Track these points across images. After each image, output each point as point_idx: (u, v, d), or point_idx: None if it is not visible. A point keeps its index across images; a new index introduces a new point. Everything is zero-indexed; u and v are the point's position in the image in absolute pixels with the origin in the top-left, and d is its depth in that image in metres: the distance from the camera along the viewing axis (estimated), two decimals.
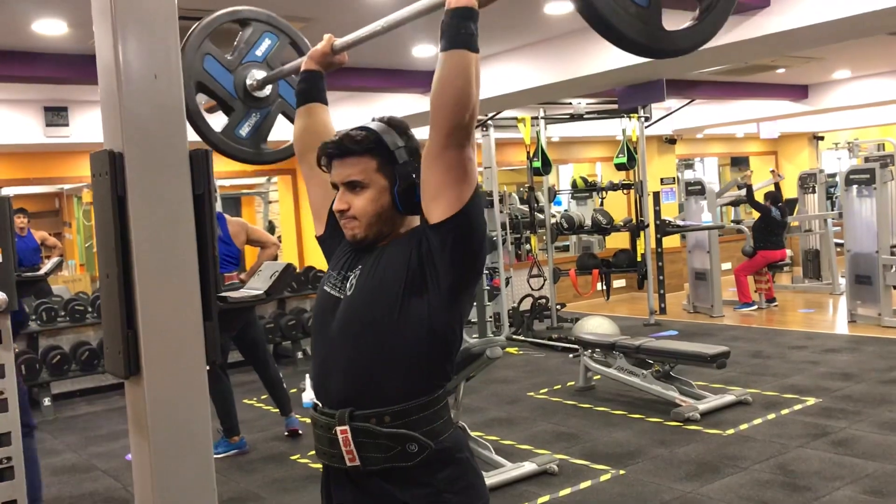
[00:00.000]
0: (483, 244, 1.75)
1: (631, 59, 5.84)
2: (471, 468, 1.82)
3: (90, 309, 7.59)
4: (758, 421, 5.36)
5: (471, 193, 1.69)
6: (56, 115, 7.34)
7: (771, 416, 5.46)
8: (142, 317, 1.20)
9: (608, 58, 5.99)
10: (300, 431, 5.69)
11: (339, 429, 1.73)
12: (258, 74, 2.30)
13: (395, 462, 1.72)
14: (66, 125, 7.43)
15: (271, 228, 12.53)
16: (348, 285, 1.81)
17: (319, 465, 5.49)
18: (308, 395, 6.56)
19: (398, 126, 1.83)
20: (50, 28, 5.04)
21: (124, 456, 5.59)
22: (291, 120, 2.37)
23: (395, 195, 1.78)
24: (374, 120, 1.84)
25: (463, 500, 1.76)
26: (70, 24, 5.00)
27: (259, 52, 2.32)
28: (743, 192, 10.49)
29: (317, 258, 9.73)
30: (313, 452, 5.39)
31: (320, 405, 1.82)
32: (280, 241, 8.94)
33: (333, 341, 1.79)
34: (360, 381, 1.75)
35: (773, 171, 10.93)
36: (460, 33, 1.61)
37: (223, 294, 1.23)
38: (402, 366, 1.73)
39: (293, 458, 5.27)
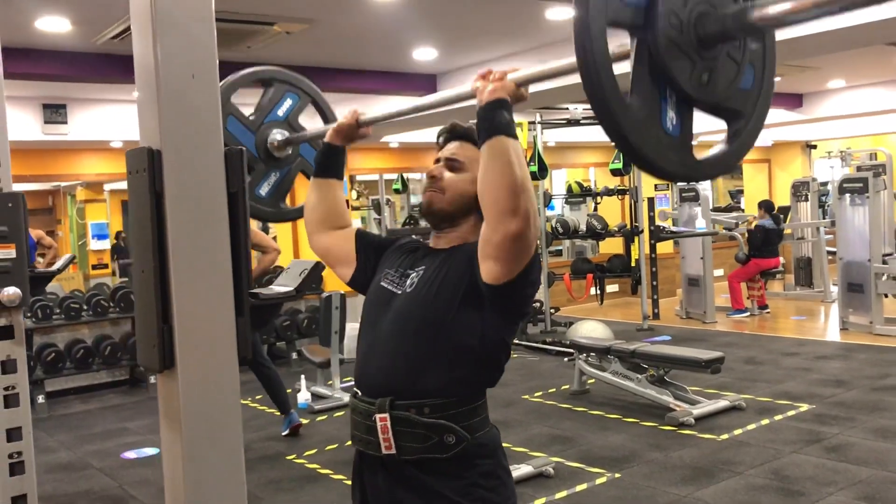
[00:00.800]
0: (531, 299, 1.85)
1: (628, 66, 5.88)
2: (503, 466, 1.86)
3: (85, 307, 7.59)
4: (752, 426, 5.41)
5: (523, 267, 1.71)
6: (55, 112, 7.33)
7: (765, 421, 5.51)
8: (177, 311, 1.23)
9: None
10: (302, 423, 5.73)
11: (378, 416, 1.77)
12: (279, 135, 2.33)
13: (431, 453, 1.75)
14: (65, 122, 7.42)
15: (265, 228, 12.52)
16: (408, 282, 1.86)
17: (315, 466, 5.48)
18: (303, 396, 6.57)
19: None
20: (53, 25, 5.04)
21: (119, 454, 5.59)
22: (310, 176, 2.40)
23: None
24: None
25: (494, 497, 1.80)
26: (73, 21, 5.01)
27: (280, 111, 2.36)
28: (738, 231, 10.51)
29: (311, 258, 9.74)
30: (309, 453, 5.41)
31: (360, 393, 1.86)
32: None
33: (383, 333, 1.84)
34: (405, 373, 1.79)
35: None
36: (494, 123, 1.64)
37: (255, 290, 1.25)
38: (450, 364, 1.78)
39: (289, 458, 5.29)
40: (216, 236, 1.26)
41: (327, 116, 2.46)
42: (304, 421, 6.14)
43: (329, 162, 2.11)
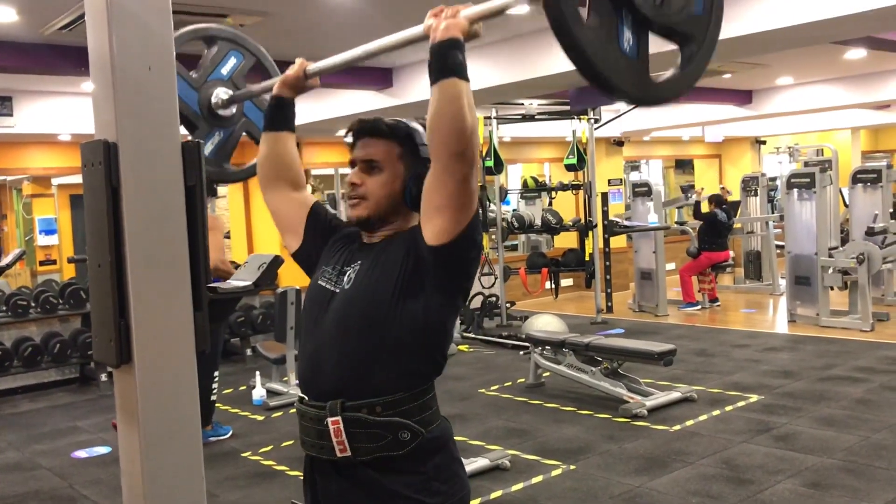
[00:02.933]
0: (476, 264, 1.82)
1: None
2: (456, 458, 1.86)
3: (33, 304, 7.43)
4: (703, 417, 5.51)
5: (469, 220, 1.72)
6: (0, 104, 7.15)
7: (716, 412, 5.61)
8: (134, 306, 1.21)
9: (565, 59, 6.07)
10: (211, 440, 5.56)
11: (330, 420, 1.75)
12: (223, 93, 2.28)
13: (386, 451, 1.74)
14: (10, 115, 7.25)
15: (213, 189, 12.32)
16: (345, 279, 1.83)
17: (270, 462, 5.43)
18: (258, 393, 6.53)
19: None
20: None
21: (69, 454, 5.49)
22: (256, 139, 2.36)
23: (408, 186, 1.82)
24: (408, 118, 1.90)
25: (449, 489, 1.80)
26: (20, 10, 4.90)
27: (224, 70, 2.31)
28: (691, 200, 10.73)
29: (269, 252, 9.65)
30: (264, 450, 5.37)
31: (307, 398, 1.83)
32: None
33: (325, 334, 1.81)
34: (353, 373, 1.76)
35: (722, 188, 11.19)
36: (447, 63, 1.63)
37: (213, 285, 1.24)
38: (396, 358, 1.76)
39: (244, 454, 5.25)
40: (174, 230, 1.24)
41: (272, 76, 2.41)
42: (259, 418, 6.10)
43: (278, 114, 2.05)
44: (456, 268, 1.77)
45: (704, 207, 10.36)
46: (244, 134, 2.42)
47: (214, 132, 2.32)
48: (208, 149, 2.30)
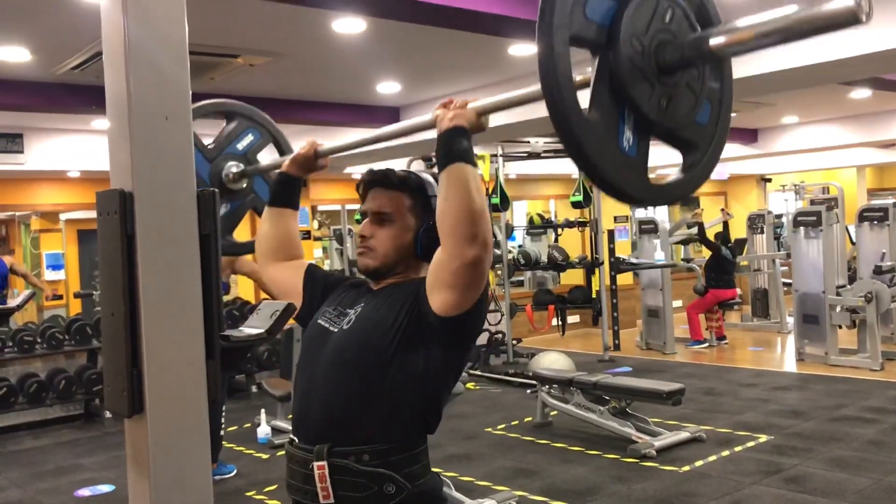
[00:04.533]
0: (478, 331, 1.81)
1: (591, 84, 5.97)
2: None
3: (39, 340, 7.42)
4: (712, 458, 5.45)
5: (478, 297, 1.72)
6: (11, 141, 7.22)
7: (725, 452, 5.55)
8: (147, 355, 1.21)
9: None
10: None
11: (316, 464, 1.72)
12: (234, 167, 2.32)
13: (369, 502, 1.70)
14: (21, 152, 7.31)
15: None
16: (345, 321, 1.82)
17: (275, 502, 5.38)
18: (263, 431, 6.48)
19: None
20: (13, 55, 4.99)
21: (72, 492, 5.44)
22: (261, 215, 2.39)
23: (419, 238, 1.82)
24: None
25: None
26: (33, 51, 4.96)
27: (240, 146, 2.35)
28: (693, 230, 10.72)
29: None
30: (269, 489, 5.33)
31: (297, 440, 1.81)
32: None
33: (319, 375, 1.79)
34: (343, 417, 1.74)
35: (722, 210, 11.21)
36: (453, 149, 1.65)
37: (225, 333, 1.24)
38: (388, 407, 1.73)
39: (248, 493, 5.20)
40: (188, 279, 1.24)
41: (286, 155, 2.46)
42: (264, 456, 6.05)
43: (284, 190, 2.06)
44: (462, 337, 1.77)
45: (709, 236, 10.31)
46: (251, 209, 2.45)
47: (223, 204, 2.35)
48: None
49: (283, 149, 2.47)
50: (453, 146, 1.65)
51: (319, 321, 1.88)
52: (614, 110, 1.33)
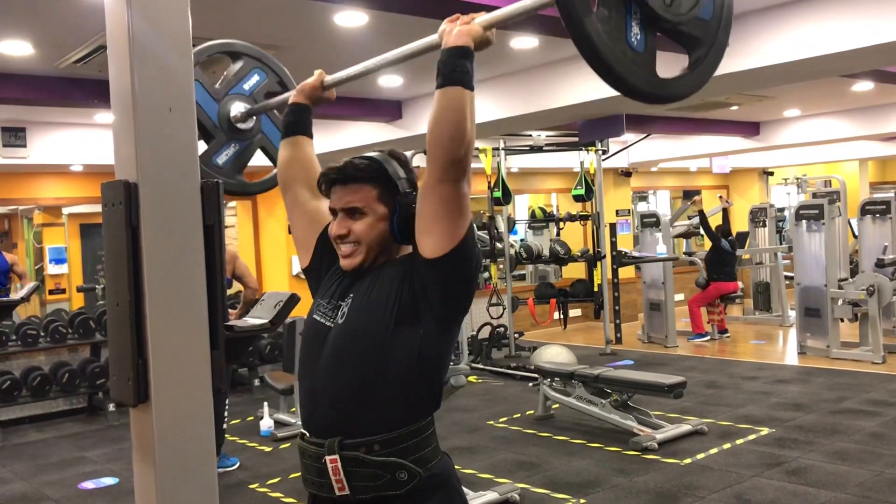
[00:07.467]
0: (476, 277, 1.79)
1: (594, 95, 5.97)
2: (458, 494, 1.84)
3: (42, 333, 7.44)
4: (714, 450, 5.47)
5: (465, 229, 1.71)
6: (13, 135, 7.22)
7: (726, 445, 5.57)
8: (152, 345, 1.22)
9: (572, 93, 6.12)
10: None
11: (328, 458, 1.74)
12: (242, 107, 2.33)
13: (384, 490, 1.72)
14: (24, 146, 7.31)
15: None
16: (339, 314, 1.82)
17: (278, 494, 5.41)
18: (266, 424, 6.50)
19: (399, 158, 1.86)
20: (15, 49, 4.99)
21: (76, 484, 5.46)
22: (270, 155, 2.40)
23: (394, 224, 1.80)
24: (377, 152, 1.88)
25: None
26: (35, 44, 4.96)
27: (246, 86, 2.36)
28: (695, 220, 10.72)
29: (277, 286, 9.66)
30: (272, 481, 5.34)
31: (308, 434, 1.83)
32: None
33: (322, 370, 1.80)
34: (350, 410, 1.75)
35: (721, 197, 11.21)
36: (456, 71, 1.64)
37: (230, 323, 1.25)
38: (392, 394, 1.74)
39: (252, 486, 5.22)
40: (192, 269, 1.25)
41: None
42: (267, 449, 6.07)
43: (296, 120, 2.06)
44: (455, 282, 1.74)
45: (713, 221, 10.30)
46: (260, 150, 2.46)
47: (230, 144, 2.37)
48: (222, 158, 2.35)
49: (288, 89, 2.50)
50: (456, 66, 1.64)
51: (315, 316, 1.89)
52: (622, 5, 1.38)
